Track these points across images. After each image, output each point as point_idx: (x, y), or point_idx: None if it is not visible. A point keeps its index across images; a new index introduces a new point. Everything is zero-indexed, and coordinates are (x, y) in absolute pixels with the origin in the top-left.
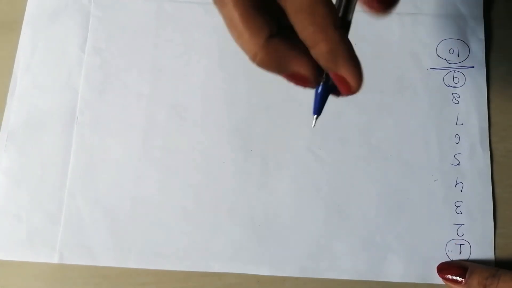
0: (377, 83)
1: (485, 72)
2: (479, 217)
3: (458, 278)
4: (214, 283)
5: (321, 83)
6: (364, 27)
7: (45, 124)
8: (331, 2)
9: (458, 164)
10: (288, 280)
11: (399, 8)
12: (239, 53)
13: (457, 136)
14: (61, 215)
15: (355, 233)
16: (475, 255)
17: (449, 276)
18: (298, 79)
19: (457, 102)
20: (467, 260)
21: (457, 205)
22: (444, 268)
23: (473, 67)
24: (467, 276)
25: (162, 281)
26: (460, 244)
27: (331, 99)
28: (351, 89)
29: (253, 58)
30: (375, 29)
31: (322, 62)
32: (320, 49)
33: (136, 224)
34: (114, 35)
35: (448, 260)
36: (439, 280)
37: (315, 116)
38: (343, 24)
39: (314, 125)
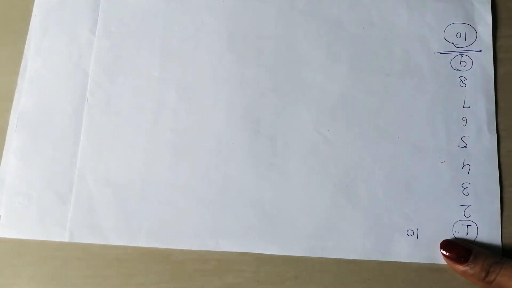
0: (385, 66)
1: (492, 55)
2: (486, 199)
3: (461, 259)
4: (214, 283)
5: None
6: (372, 11)
7: (55, 106)
8: None
9: (465, 147)
10: (288, 280)
11: None
12: (248, 36)
13: (464, 118)
14: (71, 195)
15: (363, 213)
16: (481, 236)
17: (452, 255)
18: None
19: (464, 85)
20: (474, 242)
21: (464, 186)
22: (448, 246)
23: (480, 51)
24: (470, 259)
25: (162, 281)
26: (467, 225)
27: (338, 78)
28: None
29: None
30: (383, 13)
31: None
32: None
33: (146, 204)
34: (124, 17)
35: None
36: None
37: None
38: None
39: None
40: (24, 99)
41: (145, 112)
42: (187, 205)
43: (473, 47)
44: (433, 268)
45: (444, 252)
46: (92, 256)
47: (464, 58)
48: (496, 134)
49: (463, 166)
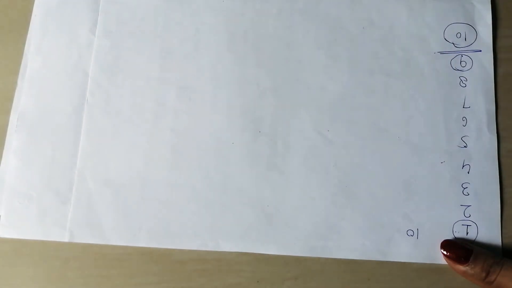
0: (385, 66)
1: (492, 55)
2: (486, 199)
3: (461, 259)
4: (214, 283)
5: None
6: (372, 11)
7: (55, 106)
8: None
9: (465, 146)
10: (288, 280)
11: None
12: (248, 36)
13: (464, 118)
14: (71, 195)
15: (363, 213)
16: (481, 236)
17: (452, 255)
18: None
19: (464, 85)
20: (474, 241)
21: (464, 186)
22: (449, 246)
23: (480, 51)
24: (471, 260)
25: (162, 281)
26: (467, 225)
27: (338, 78)
28: None
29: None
30: (383, 13)
31: None
32: None
33: (146, 204)
34: (124, 17)
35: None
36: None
37: None
38: None
39: None
40: (24, 99)
41: (145, 112)
42: (187, 205)
43: (473, 47)
44: (433, 268)
45: (445, 252)
46: (92, 256)
47: (464, 58)
48: (496, 134)
49: (463, 166)
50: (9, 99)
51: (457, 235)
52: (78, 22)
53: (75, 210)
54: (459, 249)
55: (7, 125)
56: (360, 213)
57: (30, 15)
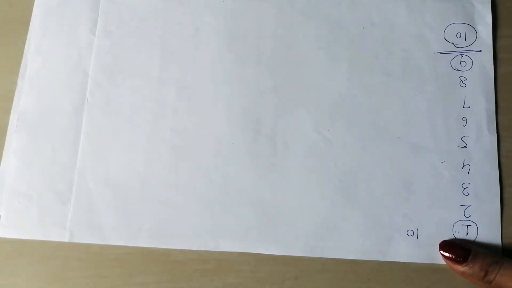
0: (384, 66)
1: (492, 55)
2: (486, 199)
3: (460, 259)
4: (214, 283)
5: None
6: (372, 11)
7: (55, 106)
8: None
9: (465, 147)
10: (288, 280)
11: None
12: (248, 36)
13: (464, 118)
14: (71, 195)
15: (363, 213)
16: (481, 236)
17: (451, 255)
18: None
19: (464, 85)
20: (474, 242)
21: (464, 186)
22: (447, 246)
23: (480, 51)
24: (469, 259)
25: (162, 281)
26: (467, 225)
27: (338, 78)
28: None
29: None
30: (383, 13)
31: None
32: None
33: (146, 204)
34: (124, 17)
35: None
36: None
37: None
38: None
39: None
40: (24, 99)
41: (145, 112)
42: (187, 205)
43: (473, 47)
44: (433, 268)
45: (443, 253)
46: (92, 256)
47: (464, 58)
48: (496, 134)
49: (463, 166)
50: (9, 99)
51: (457, 235)
52: (78, 22)
53: (75, 210)
54: (457, 249)
55: (7, 125)
56: (360, 213)
57: (30, 15)
